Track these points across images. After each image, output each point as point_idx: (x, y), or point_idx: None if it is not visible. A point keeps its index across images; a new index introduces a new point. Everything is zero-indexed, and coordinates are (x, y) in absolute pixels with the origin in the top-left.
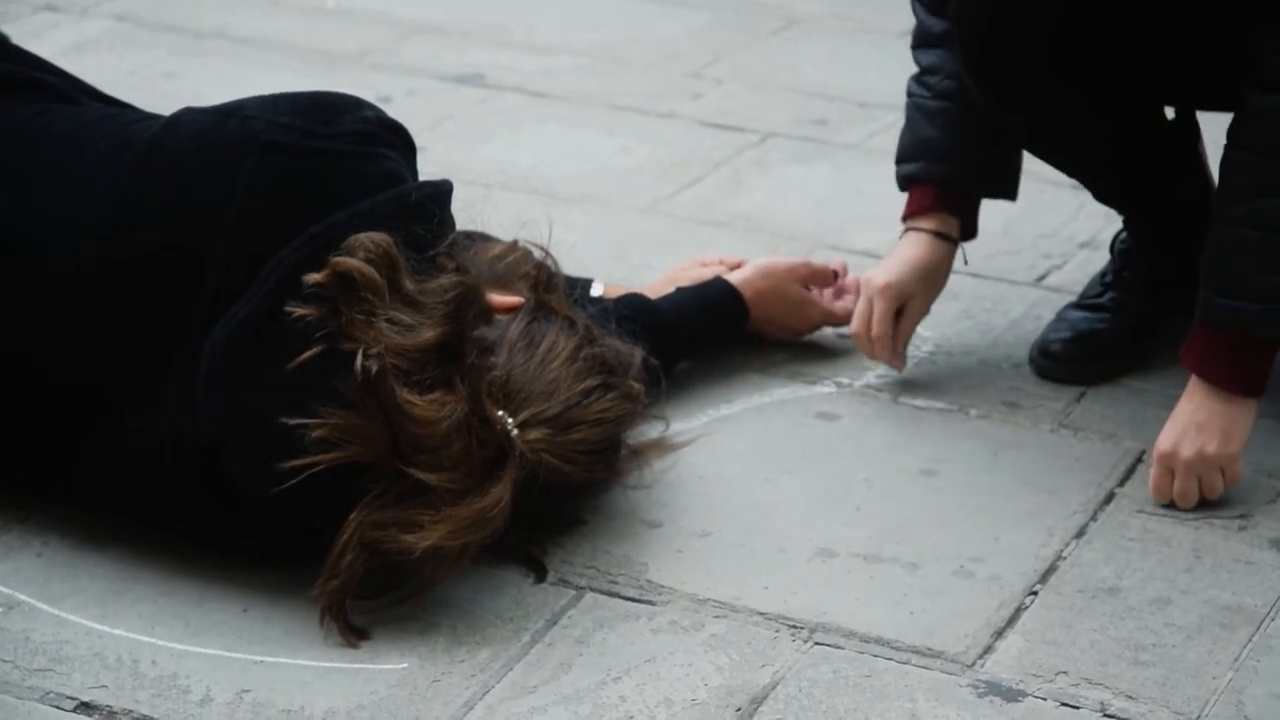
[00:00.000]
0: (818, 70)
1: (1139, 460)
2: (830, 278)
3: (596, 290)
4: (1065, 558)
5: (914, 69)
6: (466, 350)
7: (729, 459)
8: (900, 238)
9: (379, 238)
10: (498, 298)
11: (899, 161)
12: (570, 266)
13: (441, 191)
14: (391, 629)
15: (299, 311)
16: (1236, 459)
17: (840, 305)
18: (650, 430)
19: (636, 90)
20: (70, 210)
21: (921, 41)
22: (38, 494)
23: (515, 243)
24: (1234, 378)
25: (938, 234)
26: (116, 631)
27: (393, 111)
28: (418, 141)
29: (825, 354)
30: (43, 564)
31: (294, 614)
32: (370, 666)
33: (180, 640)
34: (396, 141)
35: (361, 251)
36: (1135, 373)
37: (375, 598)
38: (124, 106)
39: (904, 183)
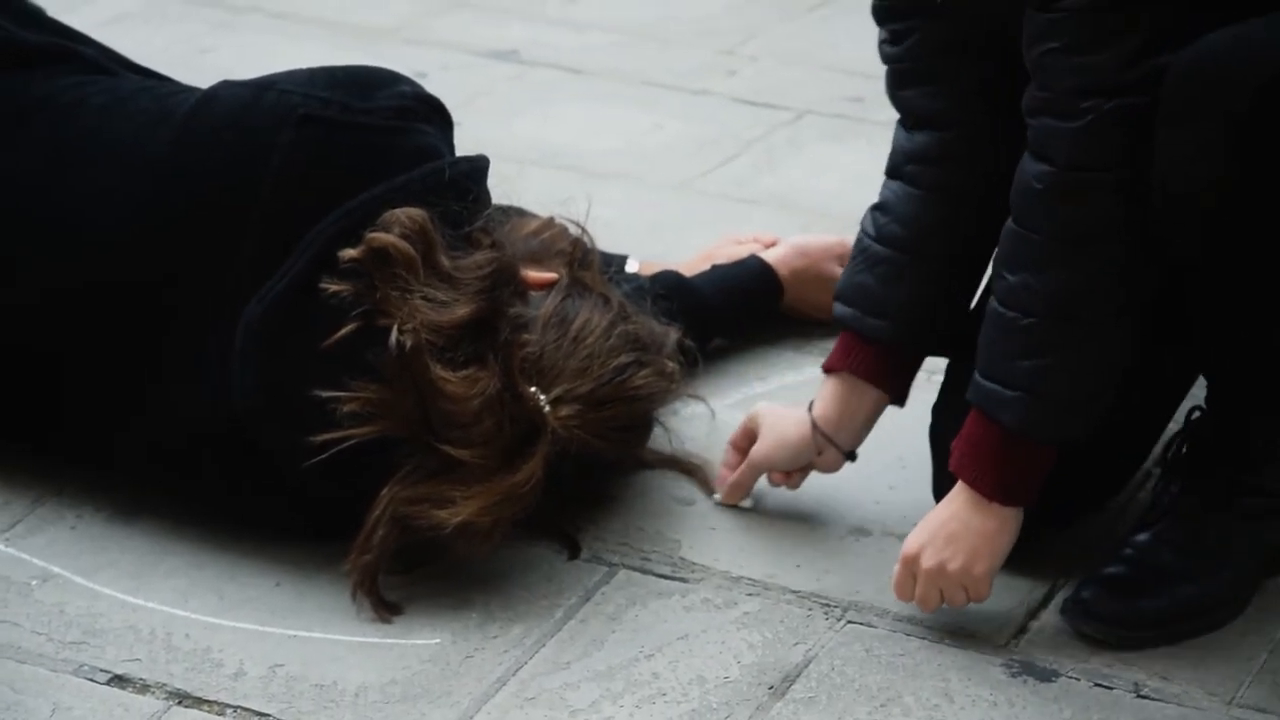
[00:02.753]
0: (853, 47)
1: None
2: None
3: (631, 267)
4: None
5: None
6: (500, 327)
7: None
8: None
9: (415, 213)
10: (532, 274)
11: (836, 297)
12: (604, 243)
13: (478, 167)
14: (424, 604)
15: (334, 287)
16: (983, 580)
17: None
18: (684, 407)
19: (671, 67)
20: (107, 181)
21: (889, 168)
22: (71, 459)
23: (551, 219)
24: (994, 482)
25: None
26: (150, 605)
27: (427, 87)
28: (452, 117)
29: None
30: (77, 536)
31: (327, 589)
32: (403, 641)
33: (214, 614)
34: (434, 117)
35: (397, 227)
36: None
37: (407, 573)
38: (161, 79)
39: (837, 322)
